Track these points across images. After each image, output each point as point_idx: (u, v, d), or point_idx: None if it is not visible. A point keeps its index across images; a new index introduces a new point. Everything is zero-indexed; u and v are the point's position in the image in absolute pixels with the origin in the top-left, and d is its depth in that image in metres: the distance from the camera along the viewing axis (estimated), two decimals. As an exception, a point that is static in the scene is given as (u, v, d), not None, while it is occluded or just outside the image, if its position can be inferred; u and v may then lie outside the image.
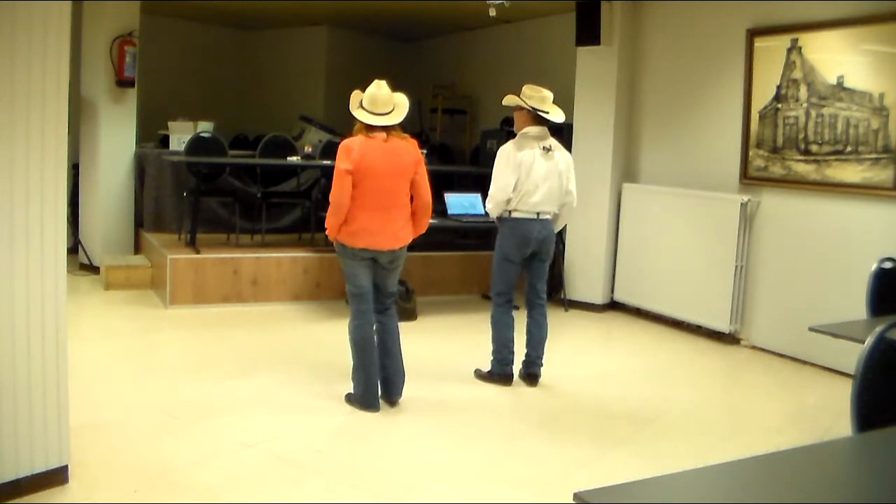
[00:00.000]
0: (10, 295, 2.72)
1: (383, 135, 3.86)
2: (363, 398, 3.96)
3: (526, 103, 4.34)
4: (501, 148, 4.40)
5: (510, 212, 4.36)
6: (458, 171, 7.82)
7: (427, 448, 3.59)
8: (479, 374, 4.56)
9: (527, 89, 4.38)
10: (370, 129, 3.86)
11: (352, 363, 4.00)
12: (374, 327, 4.03)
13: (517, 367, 4.54)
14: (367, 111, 3.86)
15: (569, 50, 6.75)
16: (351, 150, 3.82)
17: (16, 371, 2.75)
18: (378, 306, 4.07)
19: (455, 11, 8.33)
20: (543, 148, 4.34)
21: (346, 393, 4.07)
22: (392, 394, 4.04)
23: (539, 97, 4.36)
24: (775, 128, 5.40)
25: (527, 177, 4.28)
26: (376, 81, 3.93)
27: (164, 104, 8.34)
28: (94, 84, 6.91)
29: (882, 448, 1.68)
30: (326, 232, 3.97)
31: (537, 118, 4.35)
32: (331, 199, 3.84)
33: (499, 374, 4.48)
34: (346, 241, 3.88)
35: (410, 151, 3.95)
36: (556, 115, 4.33)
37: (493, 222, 4.54)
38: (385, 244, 3.90)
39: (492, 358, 4.51)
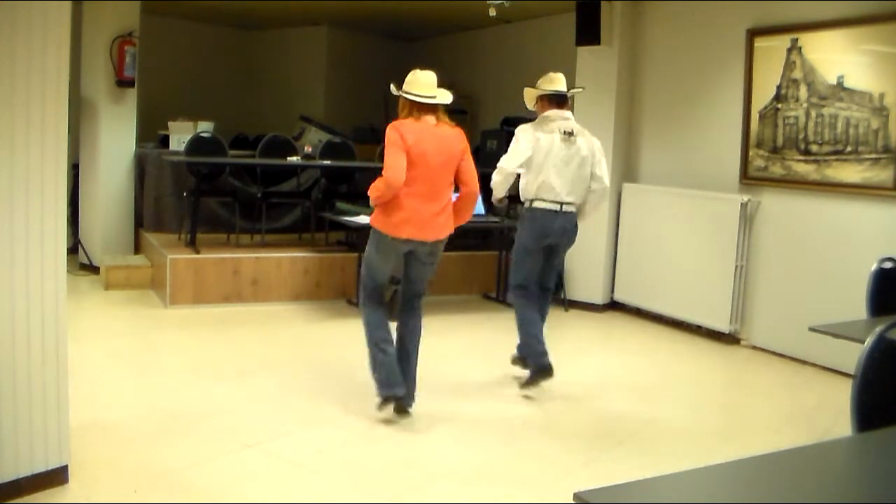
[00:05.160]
0: (10, 295, 2.72)
1: (433, 118, 3.71)
2: (387, 383, 3.71)
3: (538, 90, 4.34)
4: (520, 126, 4.30)
5: (531, 201, 4.24)
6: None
7: (427, 448, 3.59)
8: (522, 384, 4.37)
9: (540, 81, 4.37)
10: (419, 109, 3.69)
11: (369, 358, 3.80)
12: (396, 326, 3.89)
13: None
14: (412, 93, 3.71)
15: (569, 50, 6.75)
16: (403, 131, 3.59)
17: (16, 371, 2.75)
18: (405, 305, 3.92)
19: (455, 11, 8.33)
20: (564, 132, 4.22)
21: (378, 402, 3.80)
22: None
23: (547, 79, 4.35)
24: (775, 128, 5.40)
25: (545, 160, 4.16)
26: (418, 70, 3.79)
27: (164, 104, 8.33)
28: (94, 84, 6.91)
29: (882, 448, 1.68)
30: (371, 201, 3.72)
31: (552, 101, 4.30)
32: (385, 175, 3.56)
33: (537, 369, 4.31)
34: (389, 232, 3.65)
35: (458, 138, 3.79)
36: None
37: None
38: (429, 235, 3.71)
39: (523, 355, 4.42)
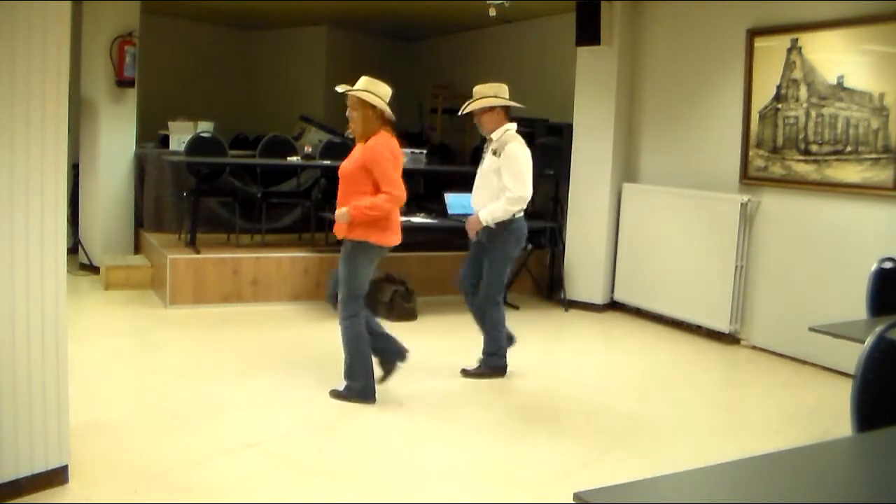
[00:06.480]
0: (10, 295, 2.73)
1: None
2: (365, 391, 4.01)
3: (500, 101, 4.37)
4: (516, 148, 4.33)
5: (513, 213, 4.39)
6: (458, 171, 7.81)
7: (427, 448, 3.59)
8: (474, 372, 4.59)
9: (485, 89, 4.39)
10: (390, 124, 3.92)
11: (348, 361, 4.04)
12: (379, 321, 4.22)
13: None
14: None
15: (569, 50, 6.75)
16: (392, 148, 3.87)
17: (16, 371, 2.76)
18: (368, 303, 4.19)
19: (455, 11, 8.33)
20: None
21: (336, 389, 4.08)
22: (403, 355, 4.16)
23: (501, 89, 4.42)
24: (775, 128, 5.40)
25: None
26: (370, 79, 3.90)
27: (164, 104, 8.33)
28: (94, 84, 6.91)
29: (882, 448, 1.68)
30: (362, 219, 3.86)
31: (507, 113, 4.42)
32: (395, 194, 3.81)
33: (499, 367, 4.56)
34: (381, 241, 3.91)
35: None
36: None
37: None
38: (399, 237, 4.04)
39: (491, 352, 4.57)
